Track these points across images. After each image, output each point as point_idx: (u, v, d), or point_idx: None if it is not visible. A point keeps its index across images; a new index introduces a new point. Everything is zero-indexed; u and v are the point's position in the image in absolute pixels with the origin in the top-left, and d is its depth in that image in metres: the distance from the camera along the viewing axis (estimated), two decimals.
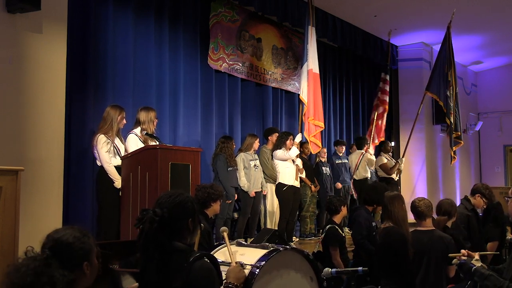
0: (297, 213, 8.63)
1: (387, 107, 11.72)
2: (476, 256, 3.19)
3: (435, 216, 5.29)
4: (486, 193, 6.06)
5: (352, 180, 10.05)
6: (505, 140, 15.65)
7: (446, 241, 4.56)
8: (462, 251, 3.27)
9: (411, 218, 4.74)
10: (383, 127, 11.54)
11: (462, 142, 11.24)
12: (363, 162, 9.97)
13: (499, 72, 15.67)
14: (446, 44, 10.86)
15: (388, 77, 11.86)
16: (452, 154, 11.10)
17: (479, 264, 3.07)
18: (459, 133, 11.13)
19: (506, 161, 15.84)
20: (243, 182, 7.64)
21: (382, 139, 11.21)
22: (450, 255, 3.90)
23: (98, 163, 5.74)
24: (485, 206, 6.12)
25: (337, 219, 5.95)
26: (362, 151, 10.06)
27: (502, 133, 15.57)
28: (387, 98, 11.78)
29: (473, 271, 3.02)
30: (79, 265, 2.10)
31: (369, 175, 10.07)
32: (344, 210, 5.99)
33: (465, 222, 5.89)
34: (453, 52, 10.98)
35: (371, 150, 10.59)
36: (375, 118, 11.34)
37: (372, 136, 10.89)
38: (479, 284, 2.99)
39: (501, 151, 15.73)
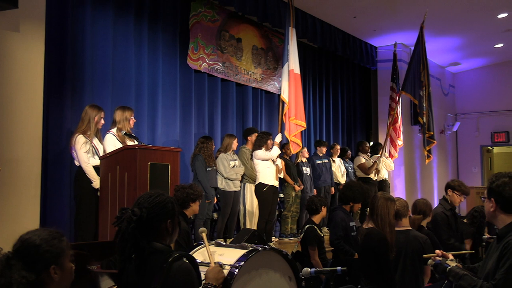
0: (276, 213, 8.67)
1: (396, 112, 11.81)
2: (451, 256, 3.24)
3: (411, 215, 5.38)
4: (455, 186, 6.18)
5: None
6: (482, 140, 15.90)
7: (421, 241, 4.62)
8: (437, 251, 3.32)
9: None
10: (401, 131, 11.64)
11: (435, 141, 11.43)
12: (380, 165, 10.71)
13: (477, 73, 15.93)
14: (420, 44, 10.99)
15: (395, 86, 12.04)
16: (426, 154, 11.25)
17: (453, 264, 3.12)
18: (432, 133, 11.31)
19: (483, 162, 16.09)
20: (222, 182, 7.68)
21: (401, 141, 11.59)
22: (424, 256, 3.95)
23: (76, 163, 5.73)
24: (462, 200, 6.23)
25: (317, 219, 5.98)
26: (378, 155, 10.78)
27: (479, 134, 15.82)
28: (394, 105, 11.82)
29: (448, 271, 3.07)
30: (45, 268, 2.07)
31: (386, 176, 10.99)
32: (324, 211, 6.03)
33: (445, 222, 5.99)
34: (426, 52, 11.13)
35: (395, 153, 11.35)
36: (391, 124, 11.49)
37: (386, 141, 11.17)
38: (454, 284, 3.04)
39: (478, 152, 15.98)
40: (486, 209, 3.02)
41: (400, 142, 11.47)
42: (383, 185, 10.82)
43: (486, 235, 6.30)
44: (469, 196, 11.21)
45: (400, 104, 11.12)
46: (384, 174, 10.94)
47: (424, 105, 11.11)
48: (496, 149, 16.86)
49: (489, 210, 2.96)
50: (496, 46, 13.67)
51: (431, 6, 10.19)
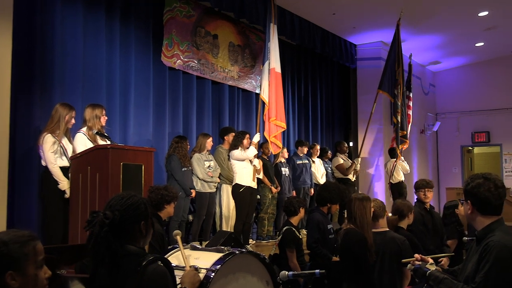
0: (254, 215, 8.68)
1: (410, 119, 12.80)
2: (430, 260, 3.29)
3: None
4: (419, 184, 6.36)
5: (389, 184, 11.80)
6: (463, 140, 16.11)
7: (399, 242, 4.67)
8: (416, 255, 3.36)
9: None
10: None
11: (407, 141, 11.63)
12: (397, 168, 11.62)
13: (457, 72, 16.13)
14: (396, 42, 11.12)
15: (411, 95, 12.99)
16: (399, 153, 11.40)
17: (433, 267, 3.16)
18: (405, 132, 11.48)
19: (463, 162, 16.31)
20: (198, 182, 7.68)
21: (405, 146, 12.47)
22: (403, 260, 3.99)
23: (43, 163, 5.69)
24: (428, 195, 6.36)
25: (294, 220, 6.01)
26: (395, 159, 11.63)
27: (460, 134, 16.02)
28: (411, 112, 12.79)
29: (428, 275, 3.10)
30: (0, 275, 2.00)
31: (403, 178, 11.82)
32: (302, 212, 6.05)
33: (420, 222, 6.07)
34: (402, 50, 11.26)
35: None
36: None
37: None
38: None
39: (458, 152, 16.20)
40: (464, 211, 3.06)
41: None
42: (400, 186, 11.64)
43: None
44: (450, 196, 11.48)
45: (375, 103, 11.21)
46: (401, 177, 11.75)
47: (398, 104, 11.25)
48: (476, 149, 17.12)
49: (467, 213, 3.00)
50: (477, 44, 13.88)
51: (411, 3, 10.32)
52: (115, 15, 7.76)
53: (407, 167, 11.93)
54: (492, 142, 15.85)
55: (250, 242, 8.26)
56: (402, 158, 11.80)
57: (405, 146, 11.71)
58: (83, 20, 7.22)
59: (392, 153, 11.95)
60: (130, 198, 2.60)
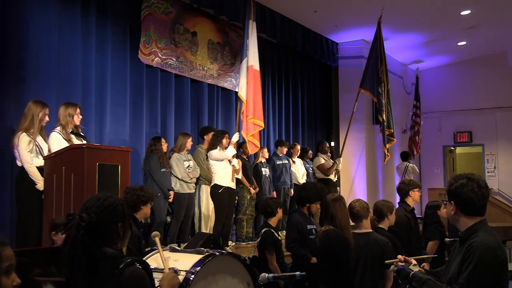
0: (233, 216, 8.67)
1: (420, 127, 14.95)
2: (413, 261, 3.32)
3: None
4: (415, 183, 6.40)
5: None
6: (445, 140, 16.30)
7: (382, 244, 4.71)
8: (399, 256, 3.40)
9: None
10: (420, 141, 14.93)
11: (395, 139, 11.71)
12: (409, 170, 13.05)
13: (440, 71, 16.30)
14: (378, 40, 11.19)
15: (419, 104, 14.83)
16: (386, 152, 11.49)
17: (416, 269, 3.19)
18: (392, 131, 11.57)
19: (445, 162, 16.49)
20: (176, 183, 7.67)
21: (420, 151, 14.78)
22: (386, 262, 4.02)
23: (19, 164, 5.63)
24: (420, 194, 6.41)
25: (273, 222, 6.02)
26: (407, 162, 13.22)
27: (442, 134, 16.19)
28: (419, 120, 14.89)
29: (411, 276, 3.13)
30: None
31: None
32: (280, 213, 6.06)
33: (407, 224, 6.09)
34: (384, 48, 11.36)
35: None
36: (412, 135, 14.88)
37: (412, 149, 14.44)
38: None
39: (440, 152, 16.38)
40: (447, 212, 3.09)
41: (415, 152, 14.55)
42: None
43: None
44: (432, 197, 11.66)
45: (357, 102, 11.29)
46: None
47: (383, 102, 11.33)
48: (459, 149, 17.33)
49: (450, 213, 3.03)
50: (459, 43, 14.05)
51: (393, 1, 10.39)
52: (91, 10, 7.71)
53: (417, 170, 13.25)
54: (474, 142, 16.06)
55: (229, 244, 8.25)
56: (411, 161, 13.15)
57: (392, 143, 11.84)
58: (57, 15, 7.17)
59: (405, 156, 13.35)
60: (107, 199, 2.59)
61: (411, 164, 13.21)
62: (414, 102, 14.94)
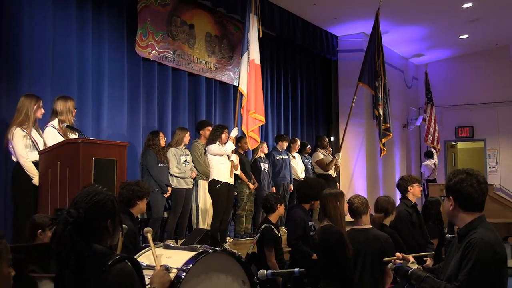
0: (232, 211, 8.64)
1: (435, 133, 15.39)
2: (412, 258, 3.30)
3: (373, 213, 5.43)
4: (414, 178, 6.32)
5: (425, 181, 13.92)
6: (446, 135, 16.24)
7: (382, 240, 4.69)
8: (397, 254, 3.38)
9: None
10: (437, 135, 15.36)
11: (391, 134, 11.68)
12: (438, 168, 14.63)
13: (441, 65, 16.25)
14: (375, 33, 11.14)
15: (434, 109, 15.24)
16: (382, 147, 11.45)
17: (415, 266, 3.19)
18: (388, 125, 11.53)
19: (447, 157, 16.46)
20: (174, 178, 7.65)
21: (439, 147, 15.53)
22: (384, 259, 4.00)
23: (14, 159, 5.60)
24: (421, 188, 6.36)
25: (273, 218, 6.00)
26: (433, 160, 14.53)
27: (443, 128, 16.12)
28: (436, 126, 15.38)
29: (410, 274, 3.13)
30: None
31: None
32: (280, 209, 6.04)
33: (409, 220, 6.05)
34: (381, 41, 11.30)
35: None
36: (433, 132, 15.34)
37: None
38: (416, 287, 3.09)
39: (441, 147, 16.30)
40: (446, 208, 3.07)
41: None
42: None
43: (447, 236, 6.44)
44: (433, 192, 11.62)
45: (355, 95, 11.25)
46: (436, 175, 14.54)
47: (380, 96, 11.29)
48: (460, 145, 17.31)
49: (448, 209, 3.01)
50: (461, 37, 14.01)
51: None
52: (87, 1, 7.66)
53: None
54: (476, 137, 16.04)
55: (227, 240, 8.22)
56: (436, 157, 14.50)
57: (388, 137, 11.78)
58: (52, 6, 7.12)
59: (430, 154, 14.58)
60: (96, 194, 2.55)
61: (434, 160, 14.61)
62: (426, 99, 15.30)
